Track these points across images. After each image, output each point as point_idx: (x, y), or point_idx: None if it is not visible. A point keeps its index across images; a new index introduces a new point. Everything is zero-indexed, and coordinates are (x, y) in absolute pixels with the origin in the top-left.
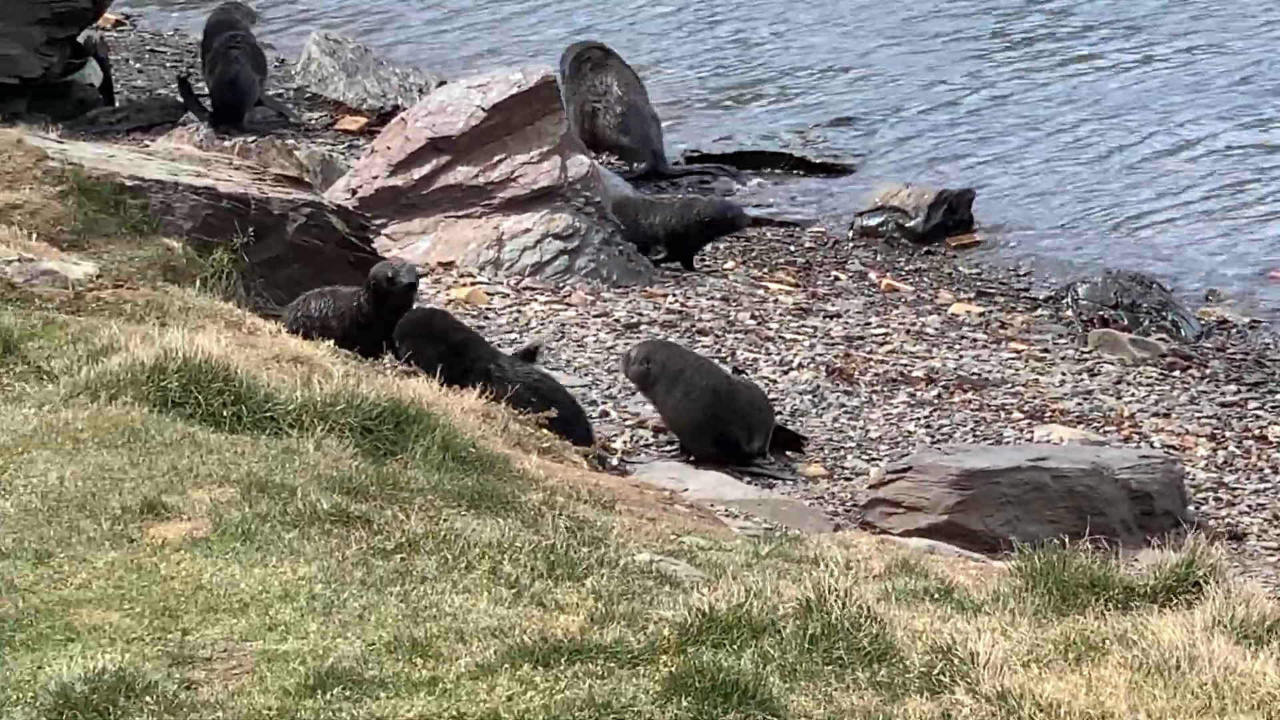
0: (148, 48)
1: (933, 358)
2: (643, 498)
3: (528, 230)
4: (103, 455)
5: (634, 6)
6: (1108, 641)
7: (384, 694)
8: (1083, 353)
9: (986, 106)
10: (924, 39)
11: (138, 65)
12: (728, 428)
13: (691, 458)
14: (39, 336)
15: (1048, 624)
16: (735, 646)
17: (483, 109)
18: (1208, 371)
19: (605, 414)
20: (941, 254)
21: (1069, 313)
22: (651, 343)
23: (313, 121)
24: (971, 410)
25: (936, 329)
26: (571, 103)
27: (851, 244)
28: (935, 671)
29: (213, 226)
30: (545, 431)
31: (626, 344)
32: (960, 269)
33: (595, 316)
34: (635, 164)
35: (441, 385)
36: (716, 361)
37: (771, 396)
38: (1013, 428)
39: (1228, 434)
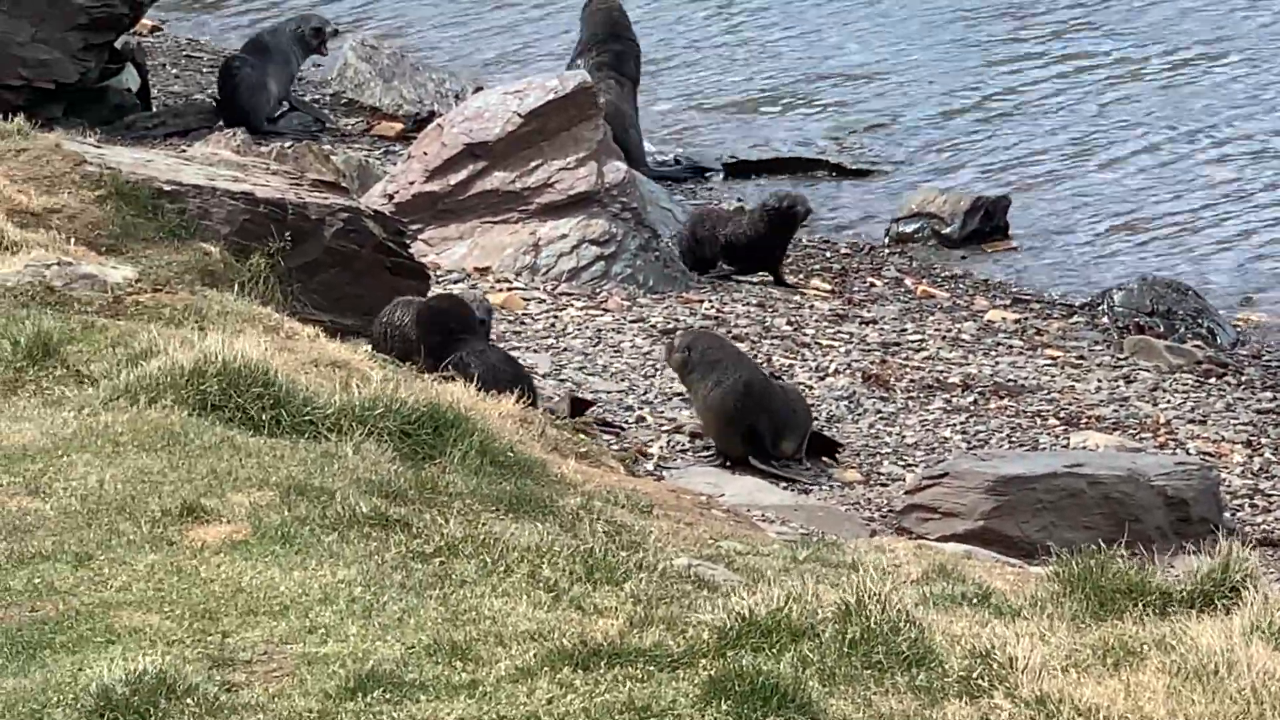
0: (184, 53)
1: (969, 364)
2: (679, 502)
3: (564, 236)
4: (142, 458)
5: (665, 12)
6: (1146, 647)
7: (424, 697)
8: (1118, 359)
9: (1022, 113)
10: (958, 45)
11: (174, 71)
12: (756, 419)
13: (727, 462)
14: (78, 340)
15: (1086, 629)
16: (774, 650)
17: (519, 115)
18: (1243, 378)
19: (641, 419)
20: (977, 260)
21: (1104, 319)
22: (695, 331)
23: (349, 127)
24: (1007, 416)
25: (972, 335)
26: None
27: (887, 250)
28: (974, 676)
29: (250, 231)
30: (582, 436)
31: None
32: (996, 276)
33: (631, 322)
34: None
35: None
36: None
37: (808, 402)
38: (1048, 434)
39: (1264, 441)
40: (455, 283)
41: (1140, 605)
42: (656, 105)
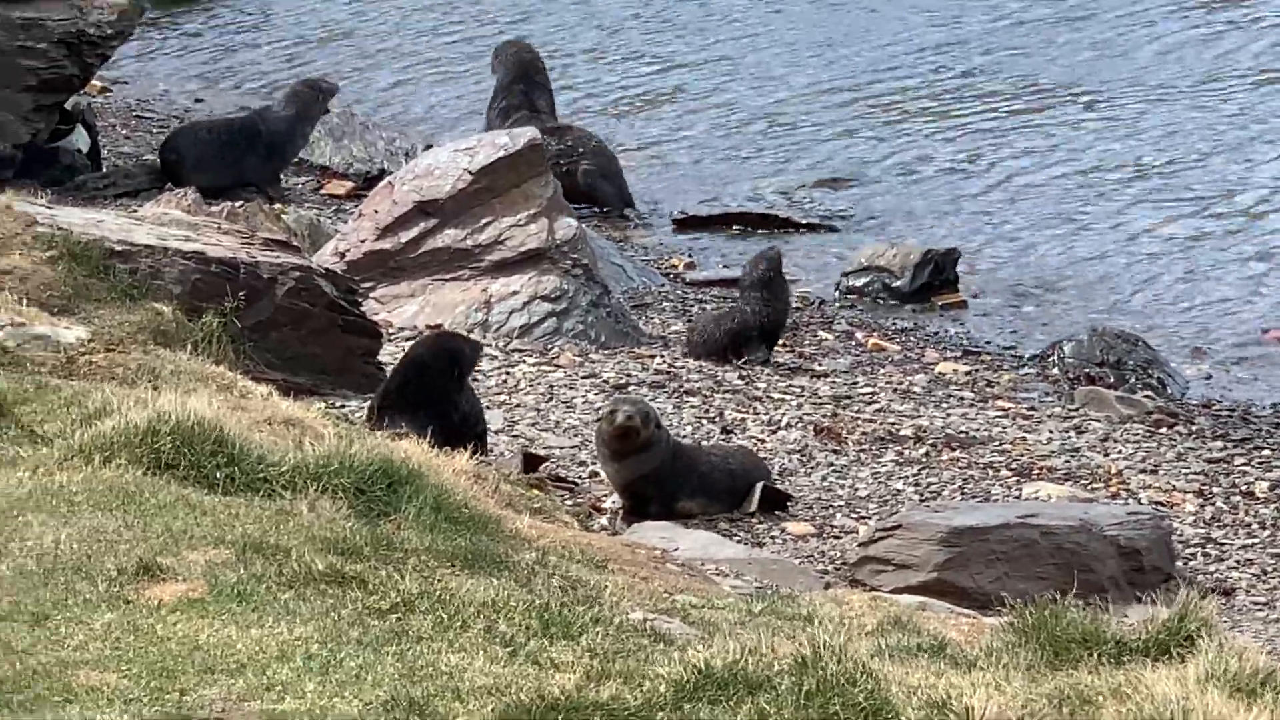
0: (134, 114)
1: (920, 416)
2: (634, 557)
3: (515, 293)
4: (98, 518)
5: (619, 68)
6: (1102, 696)
7: None
8: (1069, 410)
9: (970, 166)
10: (906, 99)
11: (124, 131)
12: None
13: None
14: (32, 400)
15: (1041, 679)
16: (732, 703)
17: (469, 172)
18: (1194, 428)
19: (595, 474)
20: (928, 313)
21: (1055, 370)
22: (645, 403)
23: (299, 186)
24: (959, 468)
25: (923, 388)
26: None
27: (838, 304)
28: None
29: (202, 291)
30: (536, 492)
31: None
32: (946, 328)
33: (584, 378)
34: (607, 210)
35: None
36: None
37: (760, 455)
38: (1000, 485)
39: (1215, 490)
40: (407, 340)
41: (1095, 654)
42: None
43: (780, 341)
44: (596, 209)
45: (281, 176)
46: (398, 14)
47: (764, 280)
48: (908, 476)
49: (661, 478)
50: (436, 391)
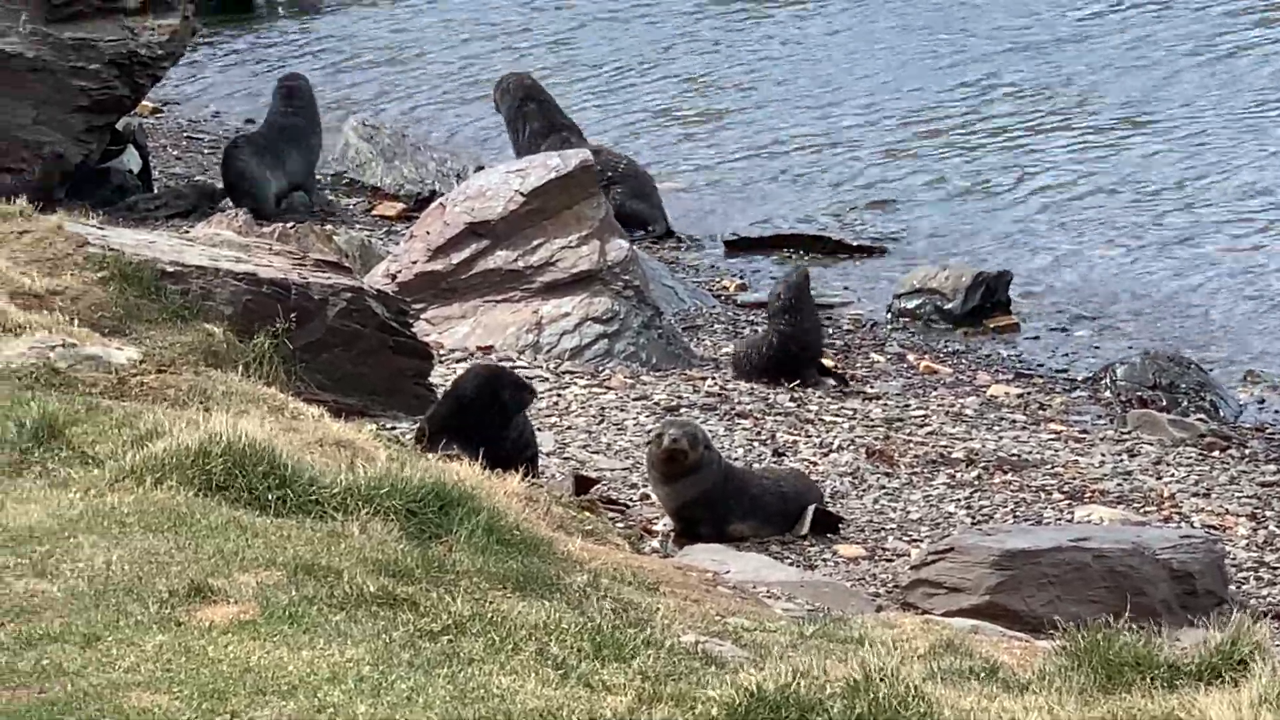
0: (185, 135)
1: (972, 439)
2: (686, 580)
3: (567, 314)
4: (149, 539)
5: (667, 89)
6: None
7: None
8: (1122, 433)
9: (1021, 188)
10: (957, 121)
11: (175, 152)
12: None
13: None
14: (83, 421)
15: (1094, 703)
16: None
17: (521, 194)
18: (1247, 451)
19: (646, 496)
20: (979, 335)
21: (1107, 394)
22: (692, 424)
23: (351, 207)
24: (1011, 491)
25: (975, 410)
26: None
27: (890, 326)
28: None
29: (253, 312)
30: (588, 514)
31: None
32: (998, 351)
33: (635, 400)
34: (649, 229)
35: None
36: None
37: (812, 478)
38: (1053, 508)
39: (1268, 514)
40: (458, 362)
41: (1148, 678)
42: (662, 183)
43: (832, 365)
44: (641, 231)
45: (327, 191)
46: (443, 35)
47: (785, 305)
48: (959, 499)
49: (713, 500)
50: (481, 425)
